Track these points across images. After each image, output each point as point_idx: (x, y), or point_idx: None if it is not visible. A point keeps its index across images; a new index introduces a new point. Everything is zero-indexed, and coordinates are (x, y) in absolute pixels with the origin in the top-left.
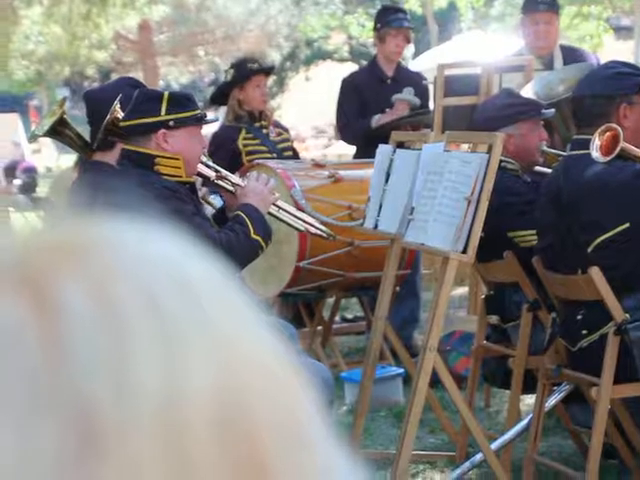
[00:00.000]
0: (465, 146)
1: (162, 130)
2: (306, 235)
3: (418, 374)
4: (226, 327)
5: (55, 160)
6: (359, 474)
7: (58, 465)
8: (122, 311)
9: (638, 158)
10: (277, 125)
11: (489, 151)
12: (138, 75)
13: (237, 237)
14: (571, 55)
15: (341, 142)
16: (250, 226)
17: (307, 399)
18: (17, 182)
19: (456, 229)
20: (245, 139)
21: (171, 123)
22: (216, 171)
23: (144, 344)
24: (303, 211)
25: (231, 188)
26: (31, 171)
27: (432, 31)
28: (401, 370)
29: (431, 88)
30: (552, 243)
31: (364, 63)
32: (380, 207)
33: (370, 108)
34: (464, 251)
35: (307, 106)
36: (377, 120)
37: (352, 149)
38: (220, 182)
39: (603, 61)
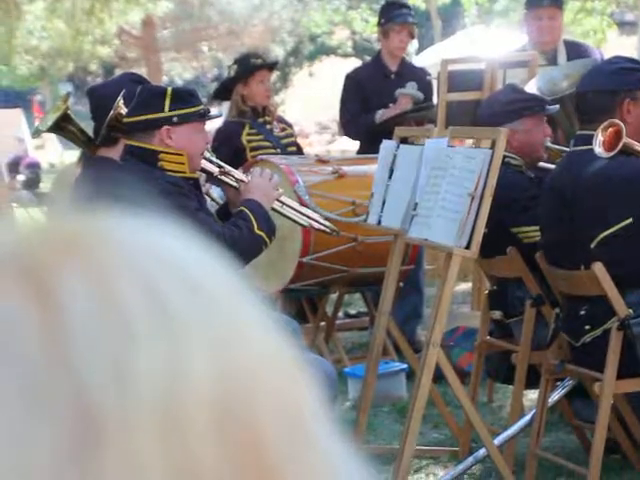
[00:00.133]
0: (469, 141)
1: (165, 126)
2: (309, 231)
3: (421, 369)
4: (228, 318)
5: (59, 156)
6: (362, 469)
7: (59, 456)
8: (123, 303)
9: None
10: (281, 120)
11: (493, 146)
12: (141, 71)
13: (241, 233)
14: (575, 50)
15: (345, 138)
16: (254, 222)
17: (310, 393)
18: (20, 178)
19: (459, 224)
20: (249, 134)
21: (174, 119)
22: (220, 167)
23: (145, 335)
24: (307, 207)
25: (235, 184)
26: (34, 167)
27: (436, 26)
28: (404, 365)
29: (435, 83)
30: (555, 239)
31: (368, 59)
32: (383, 203)
33: (374, 103)
34: (467, 246)
35: (311, 102)
36: (381, 115)
37: (356, 145)
38: (224, 178)
39: (607, 56)
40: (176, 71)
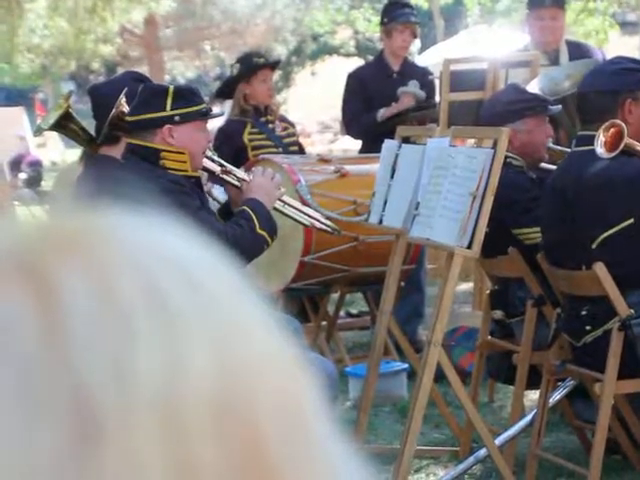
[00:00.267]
0: (471, 141)
1: (167, 125)
2: (311, 230)
3: (422, 369)
4: (229, 317)
5: (61, 154)
6: (363, 469)
7: (59, 453)
8: (123, 301)
9: None
10: (283, 120)
11: (494, 146)
12: (144, 69)
13: (243, 232)
14: (577, 50)
15: (347, 137)
16: (256, 221)
17: (311, 392)
18: (22, 176)
19: (461, 224)
20: (250, 134)
21: (176, 118)
22: (221, 165)
23: (145, 334)
24: (308, 206)
25: (237, 183)
26: (36, 165)
27: (438, 26)
28: (405, 365)
29: (437, 83)
30: (557, 239)
31: (370, 58)
32: (385, 202)
33: (376, 103)
34: (469, 246)
35: (313, 101)
36: (382, 113)
37: (358, 144)
38: (225, 177)
39: (609, 57)
40: (178, 70)
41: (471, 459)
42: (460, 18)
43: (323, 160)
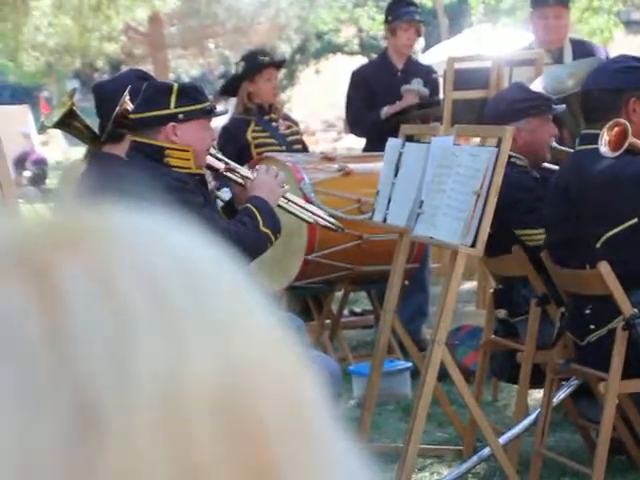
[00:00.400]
0: (475, 140)
1: (171, 123)
2: (315, 228)
3: (426, 368)
4: (230, 315)
5: (64, 152)
6: (366, 468)
7: (59, 450)
8: (123, 296)
9: None
10: (287, 118)
11: (498, 145)
12: (148, 68)
13: (246, 229)
14: (581, 49)
15: (351, 135)
16: (259, 219)
17: (313, 390)
18: (27, 174)
19: (465, 223)
20: (254, 132)
21: (180, 116)
22: (225, 163)
23: (145, 329)
24: (312, 204)
25: (240, 181)
26: (41, 163)
27: (442, 24)
28: (409, 364)
29: (441, 81)
30: (561, 238)
31: (374, 56)
32: (389, 200)
33: (380, 101)
34: (473, 245)
35: (317, 99)
36: (386, 111)
37: (362, 142)
38: (229, 174)
39: (613, 55)
40: (183, 68)
41: (475, 458)
42: (464, 16)
43: (327, 158)
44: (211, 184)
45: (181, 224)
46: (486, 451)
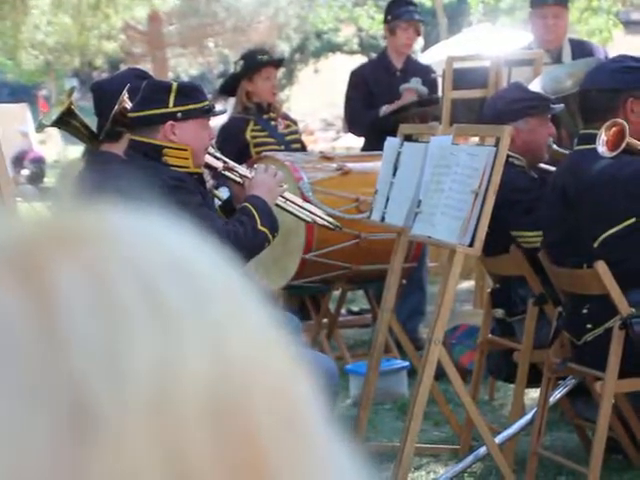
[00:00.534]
0: (474, 139)
1: (170, 122)
2: (313, 227)
3: (423, 367)
4: (226, 315)
5: (61, 151)
6: (362, 467)
7: (53, 449)
8: (118, 297)
9: None
10: (285, 117)
11: (497, 144)
12: (147, 66)
13: (244, 229)
14: (580, 49)
15: (349, 135)
16: (257, 218)
17: (308, 390)
18: (25, 172)
19: (463, 222)
20: (253, 131)
21: (179, 115)
22: (224, 162)
23: (139, 330)
24: (310, 203)
25: (239, 179)
26: (39, 161)
27: (441, 24)
28: (406, 363)
29: (440, 81)
30: (558, 237)
31: (374, 56)
32: (387, 200)
33: (379, 100)
34: (471, 244)
35: (316, 98)
36: (385, 110)
37: (360, 142)
38: (228, 173)
39: (612, 55)
40: (182, 67)
41: (471, 457)
42: (463, 16)
43: (325, 157)
44: (209, 183)
45: (178, 224)
46: (482, 450)
